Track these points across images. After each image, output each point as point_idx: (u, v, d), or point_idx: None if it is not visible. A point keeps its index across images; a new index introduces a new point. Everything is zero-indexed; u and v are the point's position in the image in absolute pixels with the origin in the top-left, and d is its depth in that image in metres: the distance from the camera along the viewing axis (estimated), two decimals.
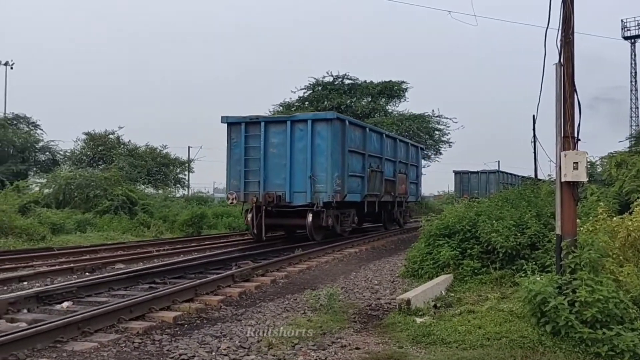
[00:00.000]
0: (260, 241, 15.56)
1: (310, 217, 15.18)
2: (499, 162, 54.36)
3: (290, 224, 16.56)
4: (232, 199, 15.86)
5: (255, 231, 15.73)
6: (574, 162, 6.21)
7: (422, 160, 40.77)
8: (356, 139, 16.84)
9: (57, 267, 11.21)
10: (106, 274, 10.16)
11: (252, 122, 15.83)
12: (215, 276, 9.49)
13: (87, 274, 10.75)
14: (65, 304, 7.56)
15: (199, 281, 8.78)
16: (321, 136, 15.17)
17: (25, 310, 7.22)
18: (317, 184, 15.04)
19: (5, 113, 35.74)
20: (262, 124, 15.64)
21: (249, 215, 15.82)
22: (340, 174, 15.46)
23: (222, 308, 7.78)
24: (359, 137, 17.13)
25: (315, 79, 40.31)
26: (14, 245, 15.13)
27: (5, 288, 9.09)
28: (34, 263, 11.92)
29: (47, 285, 9.14)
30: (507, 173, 42.70)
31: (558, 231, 6.38)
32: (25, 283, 9.56)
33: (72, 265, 11.24)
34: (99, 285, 8.65)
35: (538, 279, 6.38)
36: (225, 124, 16.17)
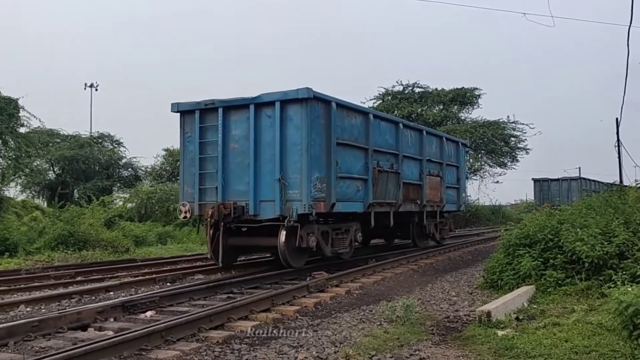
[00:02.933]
0: (220, 269, 12.38)
1: (283, 236, 11.26)
2: (579, 168, 52.08)
3: (256, 244, 12.55)
4: (185, 213, 12.09)
5: (211, 255, 12.31)
6: None
7: (498, 167, 39.74)
8: (352, 128, 12.55)
9: (140, 277, 11.63)
10: (186, 284, 10.50)
11: (208, 109, 12.03)
12: (290, 286, 9.58)
13: (168, 284, 11.08)
14: (148, 313, 7.85)
15: (275, 291, 8.88)
16: (294, 124, 11.19)
17: (111, 319, 7.53)
18: (288, 189, 11.15)
19: (91, 132, 37.83)
20: (220, 110, 11.82)
21: (209, 233, 12.29)
22: (323, 176, 11.40)
23: (298, 318, 7.81)
24: (358, 125, 12.81)
25: (385, 88, 40.10)
26: (100, 257, 15.87)
27: (93, 298, 9.53)
28: (119, 274, 12.43)
29: (131, 295, 9.48)
30: (589, 180, 40.77)
31: None
32: (111, 293, 9.98)
33: (154, 275, 11.63)
34: (180, 295, 8.92)
35: (629, 289, 6.02)
36: (177, 114, 12.50)
